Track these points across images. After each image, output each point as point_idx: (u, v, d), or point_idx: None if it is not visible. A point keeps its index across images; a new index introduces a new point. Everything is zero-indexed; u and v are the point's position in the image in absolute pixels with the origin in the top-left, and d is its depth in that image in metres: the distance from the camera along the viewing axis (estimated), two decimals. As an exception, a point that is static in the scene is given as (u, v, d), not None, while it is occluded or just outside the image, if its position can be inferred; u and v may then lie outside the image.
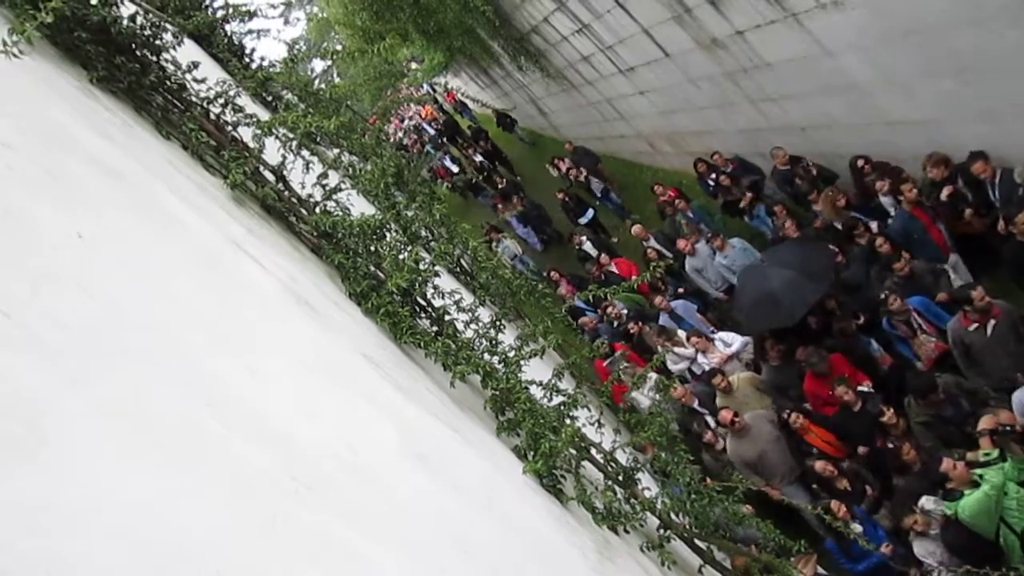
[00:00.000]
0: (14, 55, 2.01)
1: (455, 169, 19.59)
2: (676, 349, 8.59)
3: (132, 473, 1.14)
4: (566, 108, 17.10)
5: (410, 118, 30.13)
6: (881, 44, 7.03)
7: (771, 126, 9.86)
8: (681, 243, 9.71)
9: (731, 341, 8.44)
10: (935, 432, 6.15)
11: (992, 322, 6.17)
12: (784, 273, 7.66)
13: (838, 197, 8.31)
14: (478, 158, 19.30)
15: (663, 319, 9.31)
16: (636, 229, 11.16)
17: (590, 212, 13.73)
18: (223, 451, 1.43)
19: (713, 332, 9.11)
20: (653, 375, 8.37)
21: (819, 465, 6.38)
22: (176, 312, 1.78)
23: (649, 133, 13.93)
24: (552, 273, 11.30)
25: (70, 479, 1.02)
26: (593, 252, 11.83)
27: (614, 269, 10.96)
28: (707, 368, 8.32)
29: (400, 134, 29.34)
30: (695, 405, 7.99)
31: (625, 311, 9.77)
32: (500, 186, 17.21)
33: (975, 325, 6.24)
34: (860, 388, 6.92)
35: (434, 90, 24.17)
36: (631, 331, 9.28)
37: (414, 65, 26.64)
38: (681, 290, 10.03)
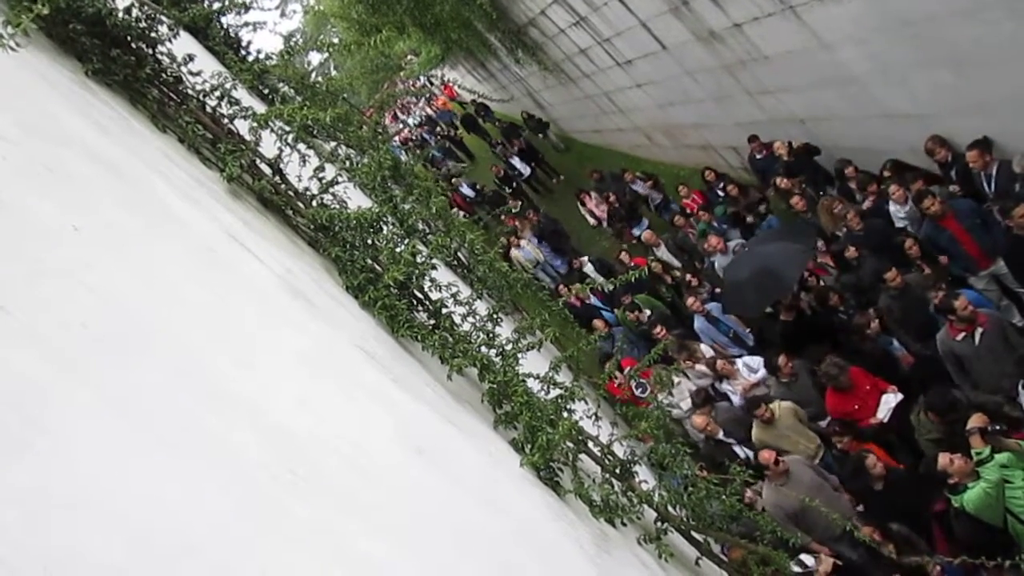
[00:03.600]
0: (11, 48, 2.00)
1: (472, 194, 17.29)
2: (697, 367, 8.17)
3: (131, 466, 1.14)
4: (564, 101, 17.07)
5: (420, 109, 28.74)
6: (878, 36, 7.02)
7: (768, 119, 9.86)
8: (713, 240, 9.45)
9: (756, 366, 7.83)
10: (947, 448, 5.76)
11: (979, 331, 6.08)
12: (768, 248, 7.66)
13: (835, 205, 8.20)
14: (515, 160, 17.41)
15: (698, 322, 8.89)
16: (647, 235, 10.85)
17: (645, 222, 12.33)
18: (222, 444, 1.43)
19: (749, 333, 8.76)
20: (684, 382, 8.15)
21: (866, 530, 5.52)
22: (173, 304, 1.77)
23: (646, 126, 13.92)
24: (560, 288, 10.25)
25: (69, 472, 1.02)
26: (595, 276, 11.04)
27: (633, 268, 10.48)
28: (731, 393, 7.88)
29: (400, 127, 28.23)
30: (720, 435, 7.33)
31: (648, 312, 9.45)
32: (514, 210, 15.01)
33: (962, 335, 6.14)
34: (887, 393, 6.61)
35: (431, 83, 23.94)
36: (656, 335, 8.72)
37: (411, 58, 26.43)
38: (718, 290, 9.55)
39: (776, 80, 9.11)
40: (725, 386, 7.98)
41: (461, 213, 12.48)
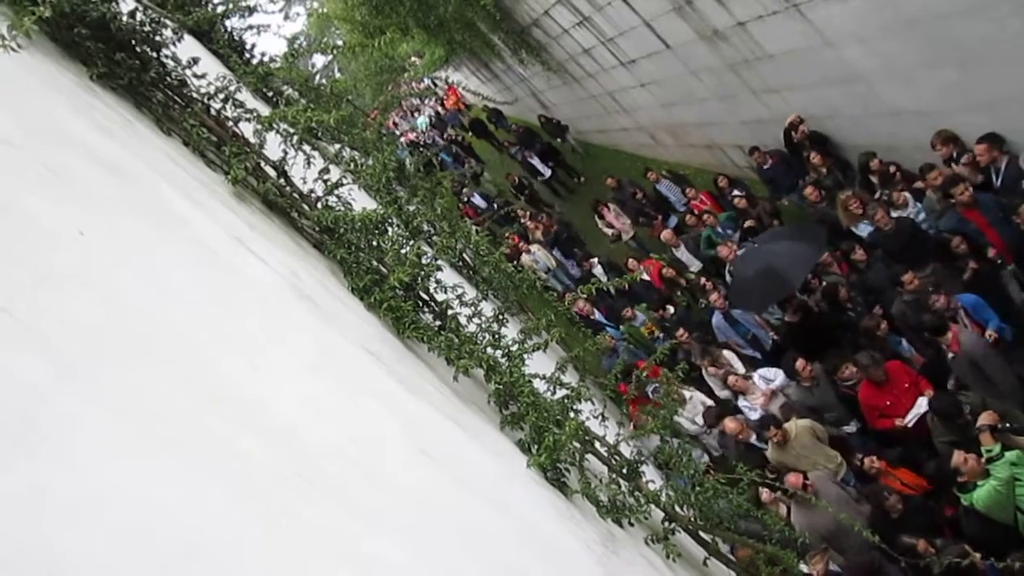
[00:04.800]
0: (12, 49, 2.00)
1: (484, 205, 16.05)
2: (728, 381, 7.85)
3: (135, 469, 1.14)
4: (568, 101, 17.06)
5: (431, 107, 27.94)
6: (883, 34, 7.00)
7: (773, 117, 9.82)
8: (724, 250, 9.23)
9: (773, 376, 7.58)
10: (964, 450, 5.67)
11: (951, 355, 6.08)
12: (776, 247, 7.58)
13: (851, 202, 8.06)
14: (535, 161, 16.55)
15: (716, 319, 8.74)
16: (666, 235, 10.48)
17: (673, 219, 11.71)
18: (227, 447, 1.42)
19: (770, 336, 8.51)
20: (697, 395, 8.00)
21: (922, 546, 5.40)
22: (178, 308, 1.77)
23: (650, 125, 13.89)
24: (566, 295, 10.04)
25: (72, 475, 1.01)
26: (604, 277, 10.44)
27: (644, 276, 9.88)
28: (748, 409, 7.63)
29: (408, 128, 27.44)
30: (752, 440, 7.10)
31: (671, 310, 9.28)
32: (523, 220, 14.09)
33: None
34: (923, 396, 6.36)
35: (435, 85, 23.82)
36: (680, 338, 8.43)
37: (415, 59, 26.39)
38: None
39: (781, 78, 9.09)
40: (742, 403, 7.67)
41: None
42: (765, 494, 6.21)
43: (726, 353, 8.16)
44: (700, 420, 7.85)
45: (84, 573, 0.90)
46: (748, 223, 9.67)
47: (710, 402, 8.04)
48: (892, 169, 8.05)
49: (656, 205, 12.19)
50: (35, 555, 0.86)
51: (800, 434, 6.58)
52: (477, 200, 16.53)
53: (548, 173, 16.89)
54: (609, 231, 12.76)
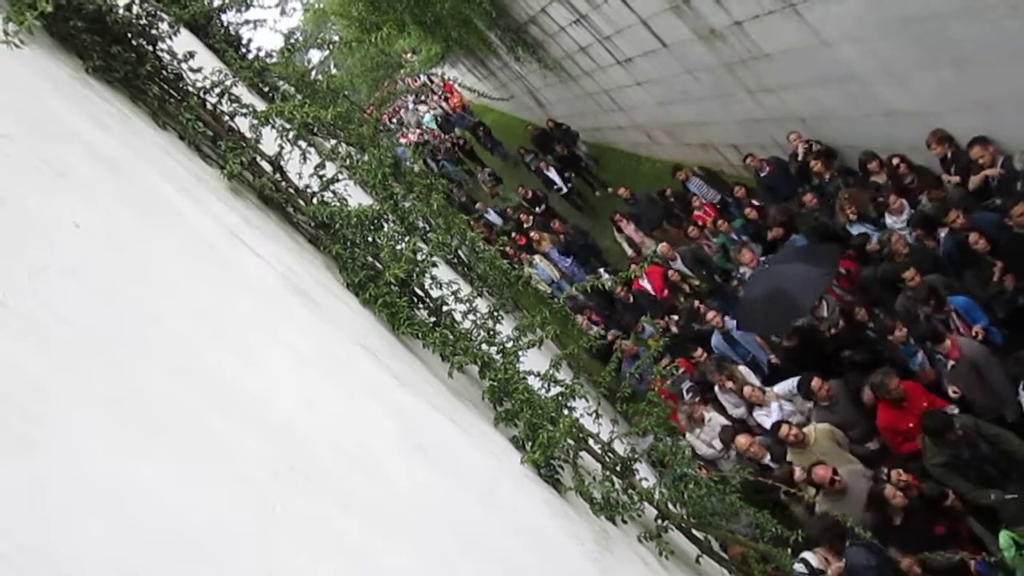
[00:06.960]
0: (15, 45, 2.00)
1: (499, 221, 14.73)
2: (744, 392, 7.53)
3: (131, 463, 1.14)
4: (564, 99, 17.04)
5: (430, 108, 27.15)
6: (879, 34, 7.02)
7: (769, 117, 9.84)
8: (747, 256, 8.89)
9: (784, 391, 7.34)
10: (957, 473, 5.69)
11: (950, 362, 6.10)
12: (787, 268, 7.41)
13: (847, 207, 8.02)
14: (551, 173, 15.10)
15: (715, 339, 8.46)
16: (663, 248, 10.05)
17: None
18: (222, 441, 1.43)
19: (770, 357, 8.23)
20: (716, 417, 7.69)
21: (905, 564, 5.32)
22: (174, 302, 1.77)
23: (647, 124, 13.89)
24: (584, 312, 10.01)
25: (68, 468, 1.01)
26: (610, 283, 10.38)
27: (645, 285, 9.90)
28: (764, 417, 7.32)
29: (410, 120, 26.64)
30: (767, 460, 6.79)
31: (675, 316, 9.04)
32: (527, 224, 13.26)
33: (939, 356, 6.13)
34: (945, 411, 6.07)
35: (431, 81, 23.65)
36: (697, 357, 8.20)
37: (411, 56, 26.21)
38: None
39: (777, 78, 9.10)
40: (757, 413, 7.40)
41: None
42: (798, 471, 6.04)
43: (742, 368, 7.87)
44: (718, 444, 7.51)
45: (81, 567, 0.90)
46: (772, 235, 9.21)
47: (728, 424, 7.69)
48: (896, 161, 7.91)
49: (684, 205, 11.15)
50: (34, 549, 0.86)
51: (820, 439, 6.41)
52: (492, 217, 15.31)
53: (566, 188, 15.20)
54: (628, 247, 11.75)
